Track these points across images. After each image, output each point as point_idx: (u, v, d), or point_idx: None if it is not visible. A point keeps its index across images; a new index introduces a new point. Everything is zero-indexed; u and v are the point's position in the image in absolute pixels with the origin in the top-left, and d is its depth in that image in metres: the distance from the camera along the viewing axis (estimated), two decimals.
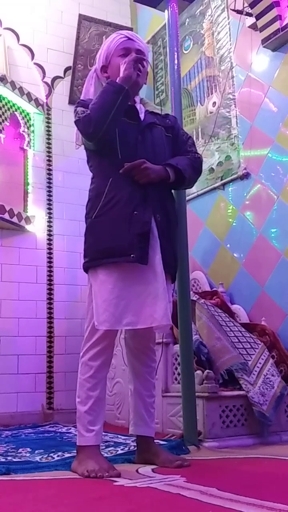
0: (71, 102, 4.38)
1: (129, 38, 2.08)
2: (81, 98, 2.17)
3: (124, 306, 1.86)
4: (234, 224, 3.53)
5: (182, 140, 2.19)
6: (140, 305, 1.87)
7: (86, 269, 2.00)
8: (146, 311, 1.87)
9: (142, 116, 2.09)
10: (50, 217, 4.12)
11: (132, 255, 1.87)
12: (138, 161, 1.93)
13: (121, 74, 1.99)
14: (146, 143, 2.04)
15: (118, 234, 1.90)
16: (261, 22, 3.23)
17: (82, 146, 2.15)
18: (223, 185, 3.63)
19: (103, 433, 2.72)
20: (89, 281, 2.00)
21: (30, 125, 4.15)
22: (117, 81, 1.97)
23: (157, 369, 2.81)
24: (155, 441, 2.07)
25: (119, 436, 2.71)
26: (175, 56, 2.67)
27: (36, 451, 2.32)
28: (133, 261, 1.87)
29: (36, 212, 4.05)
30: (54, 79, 4.40)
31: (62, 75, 4.44)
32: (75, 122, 2.00)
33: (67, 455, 2.15)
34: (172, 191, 2.18)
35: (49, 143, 4.25)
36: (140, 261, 1.87)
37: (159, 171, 1.99)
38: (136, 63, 2.00)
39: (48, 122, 4.28)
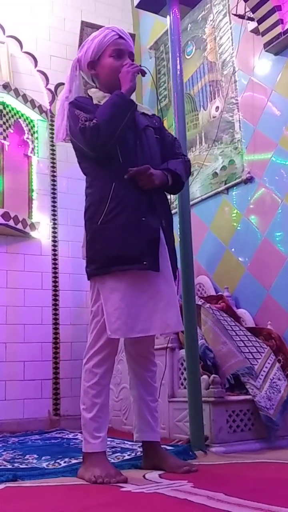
0: None
1: (121, 37, 2.06)
2: (65, 91, 2.13)
3: (136, 314, 1.85)
4: (238, 228, 3.52)
5: (169, 142, 2.18)
6: (151, 311, 1.87)
7: (90, 276, 1.96)
8: (158, 317, 1.87)
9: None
10: (54, 223, 4.13)
11: (144, 262, 1.86)
12: (143, 167, 1.92)
13: (123, 85, 1.98)
14: (144, 146, 2.03)
15: (128, 241, 1.87)
16: (263, 27, 3.23)
17: (63, 141, 2.12)
18: (227, 189, 3.63)
19: (110, 439, 2.73)
20: (93, 287, 1.96)
21: (34, 132, 4.17)
22: (122, 91, 1.96)
23: (164, 375, 2.82)
24: (161, 446, 2.07)
25: (126, 441, 2.71)
26: (178, 61, 2.68)
27: (43, 458, 2.32)
28: (146, 268, 1.86)
29: (41, 219, 4.06)
30: (57, 86, 4.42)
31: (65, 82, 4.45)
32: (80, 129, 1.91)
33: (74, 461, 2.14)
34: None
35: (53, 150, 4.26)
36: (153, 268, 1.87)
37: (160, 177, 1.99)
38: (137, 73, 2.01)
39: (51, 129, 4.29)
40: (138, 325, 1.85)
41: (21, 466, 2.12)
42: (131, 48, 2.08)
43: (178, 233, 2.56)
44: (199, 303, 3.02)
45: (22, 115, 4.07)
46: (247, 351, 2.82)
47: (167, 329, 1.88)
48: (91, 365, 1.92)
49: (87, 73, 2.14)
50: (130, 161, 1.95)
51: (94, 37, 2.09)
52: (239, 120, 3.58)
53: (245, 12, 3.41)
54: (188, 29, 4.16)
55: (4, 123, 3.88)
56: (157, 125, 2.16)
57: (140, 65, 2.05)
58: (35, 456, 2.38)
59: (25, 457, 2.37)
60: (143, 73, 2.03)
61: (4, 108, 3.90)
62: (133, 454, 2.26)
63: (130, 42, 2.10)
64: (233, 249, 3.55)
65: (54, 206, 4.16)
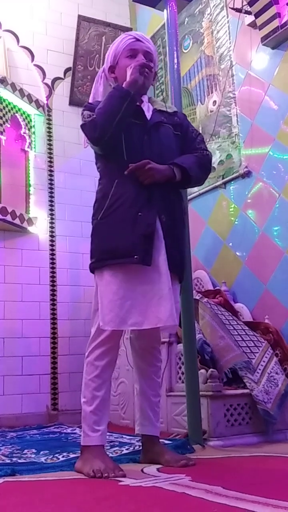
0: (71, 103, 4.39)
1: (137, 39, 2.08)
2: (90, 98, 2.17)
3: (129, 307, 1.86)
4: (236, 222, 3.52)
5: (191, 138, 2.16)
6: (145, 305, 1.87)
7: (92, 269, 2.00)
8: (152, 311, 1.87)
9: (148, 115, 2.07)
10: (52, 218, 4.12)
11: (135, 256, 1.86)
12: (142, 162, 1.92)
13: (127, 79, 1.98)
14: (152, 143, 2.02)
15: (122, 235, 1.89)
16: (260, 20, 3.22)
17: (89, 146, 2.16)
18: (225, 183, 3.63)
19: (108, 433, 2.74)
20: (94, 282, 2.00)
21: (31, 127, 4.16)
22: (123, 85, 1.97)
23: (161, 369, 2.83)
24: (160, 440, 2.07)
25: (124, 436, 2.72)
26: (175, 55, 2.67)
27: (41, 452, 2.32)
28: (136, 262, 1.87)
29: (38, 214, 4.06)
30: (54, 80, 4.41)
31: (62, 76, 4.45)
32: (81, 126, 1.99)
33: (72, 455, 2.15)
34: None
35: (50, 144, 4.25)
36: (143, 262, 1.87)
37: (164, 171, 1.97)
38: (142, 68, 1.99)
39: (49, 124, 4.29)
40: (131, 318, 1.86)
41: (19, 461, 2.12)
42: (147, 48, 2.07)
43: None
44: (197, 297, 3.02)
45: (19, 109, 4.06)
46: (245, 345, 2.82)
47: (159, 323, 1.86)
48: (92, 358, 1.92)
49: (110, 79, 2.15)
50: (135, 158, 1.94)
51: (113, 44, 2.13)
52: (237, 114, 3.57)
53: (242, 6, 3.40)
54: (185, 23, 4.14)
55: (0, 117, 3.86)
56: (178, 122, 2.15)
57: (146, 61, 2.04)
58: (34, 450, 2.39)
59: (24, 452, 2.37)
60: (148, 67, 2.02)
61: (1, 103, 3.89)
62: (131, 448, 2.27)
63: (148, 44, 2.10)
64: (230, 244, 3.55)
65: (51, 201, 4.15)
